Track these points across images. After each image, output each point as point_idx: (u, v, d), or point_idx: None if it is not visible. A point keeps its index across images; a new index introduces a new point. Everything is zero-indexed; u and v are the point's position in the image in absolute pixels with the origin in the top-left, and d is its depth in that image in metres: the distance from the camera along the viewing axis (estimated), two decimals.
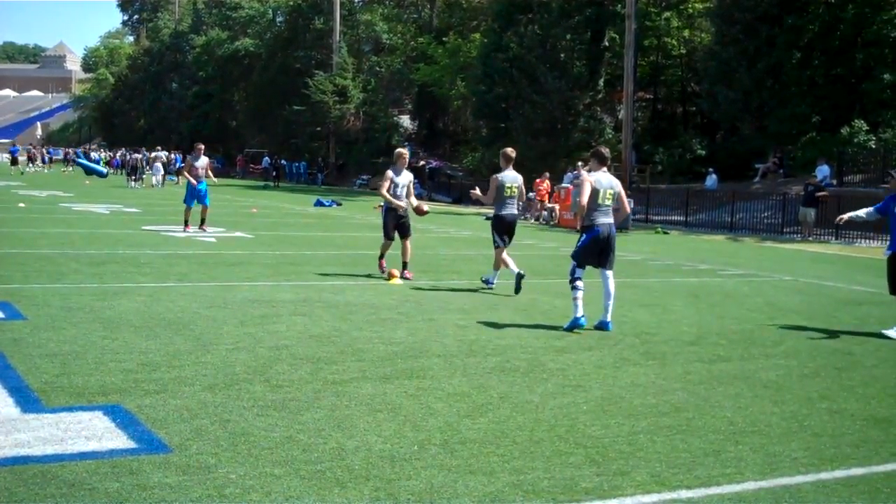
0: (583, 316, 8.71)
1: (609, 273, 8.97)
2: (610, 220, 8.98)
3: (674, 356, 7.75)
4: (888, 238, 9.77)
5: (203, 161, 17.99)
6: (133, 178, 40.31)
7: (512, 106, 38.61)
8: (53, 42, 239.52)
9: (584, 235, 9.00)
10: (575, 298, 8.78)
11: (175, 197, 32.49)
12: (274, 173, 50.88)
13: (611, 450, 5.03)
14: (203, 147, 18.57)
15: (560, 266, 13.71)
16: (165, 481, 4.22)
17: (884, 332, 9.35)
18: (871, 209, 10.07)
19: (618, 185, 9.11)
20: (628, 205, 9.61)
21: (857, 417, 6.01)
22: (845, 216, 10.44)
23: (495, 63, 39.40)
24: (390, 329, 8.39)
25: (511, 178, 11.35)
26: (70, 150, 76.43)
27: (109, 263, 12.34)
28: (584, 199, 8.82)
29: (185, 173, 18.23)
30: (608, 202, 8.92)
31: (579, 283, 8.85)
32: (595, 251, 8.93)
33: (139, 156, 45.30)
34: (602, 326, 8.85)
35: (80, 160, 52.67)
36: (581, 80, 37.96)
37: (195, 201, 17.73)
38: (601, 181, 8.92)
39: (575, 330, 8.68)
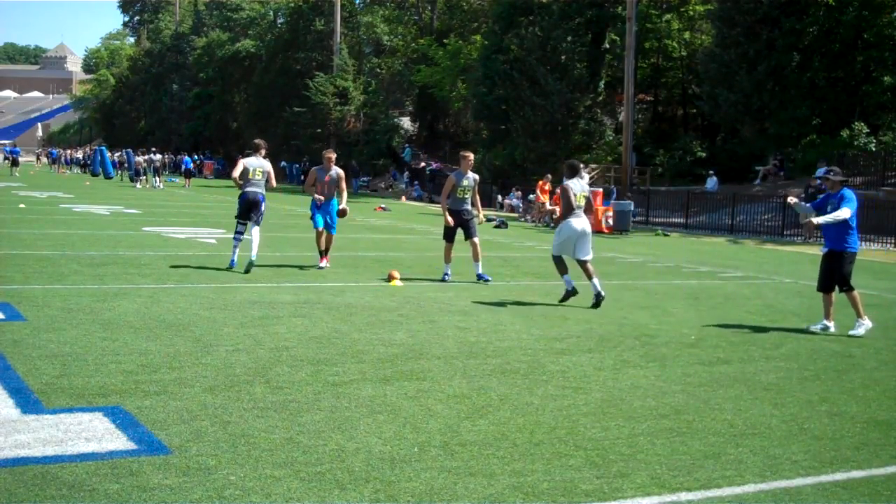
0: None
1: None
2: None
3: (674, 358, 7.76)
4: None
5: (334, 172, 13.40)
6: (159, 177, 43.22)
7: (512, 108, 38.58)
8: (54, 43, 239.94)
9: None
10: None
11: (175, 199, 32.52)
12: (302, 177, 51.07)
13: (611, 452, 5.03)
14: (334, 156, 13.80)
15: None
16: (165, 483, 4.22)
17: (850, 332, 9.38)
18: (809, 205, 10.04)
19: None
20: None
21: (858, 420, 6.01)
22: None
23: (496, 65, 39.40)
24: (390, 331, 8.39)
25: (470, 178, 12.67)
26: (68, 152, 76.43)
27: (110, 265, 12.35)
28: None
29: (308, 189, 13.98)
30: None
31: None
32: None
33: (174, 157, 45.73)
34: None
35: (104, 154, 52.75)
36: (581, 83, 37.94)
37: (322, 223, 13.27)
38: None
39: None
